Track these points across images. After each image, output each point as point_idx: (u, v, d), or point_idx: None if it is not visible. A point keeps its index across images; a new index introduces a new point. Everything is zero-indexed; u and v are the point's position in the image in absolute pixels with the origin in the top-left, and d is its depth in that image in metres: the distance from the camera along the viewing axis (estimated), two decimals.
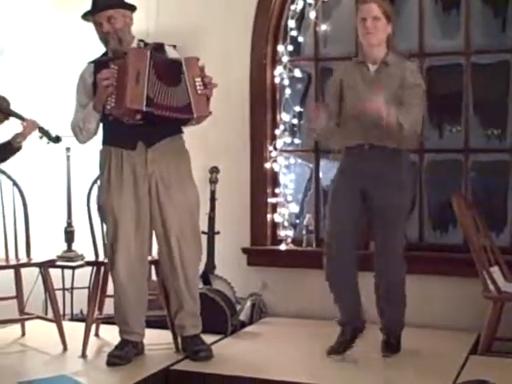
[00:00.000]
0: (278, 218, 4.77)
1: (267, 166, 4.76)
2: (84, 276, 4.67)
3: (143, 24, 4.36)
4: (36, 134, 4.12)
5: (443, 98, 4.57)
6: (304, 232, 4.71)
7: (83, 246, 4.73)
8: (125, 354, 3.74)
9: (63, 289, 4.83)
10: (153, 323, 4.01)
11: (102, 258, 4.10)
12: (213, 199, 4.61)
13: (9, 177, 4.25)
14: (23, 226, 4.23)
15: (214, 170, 4.64)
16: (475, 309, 4.12)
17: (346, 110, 3.72)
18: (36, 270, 4.43)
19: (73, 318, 4.75)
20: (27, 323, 4.34)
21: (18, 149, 3.99)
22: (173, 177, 3.74)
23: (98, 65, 3.72)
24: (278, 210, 4.77)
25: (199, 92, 3.62)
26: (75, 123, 3.75)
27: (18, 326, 4.35)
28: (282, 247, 4.72)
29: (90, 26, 3.81)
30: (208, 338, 3.94)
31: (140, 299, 3.81)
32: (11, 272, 4.19)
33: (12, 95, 4.20)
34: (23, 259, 4.21)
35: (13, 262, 4.18)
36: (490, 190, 4.60)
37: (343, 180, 3.76)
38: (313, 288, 4.55)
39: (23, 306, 4.30)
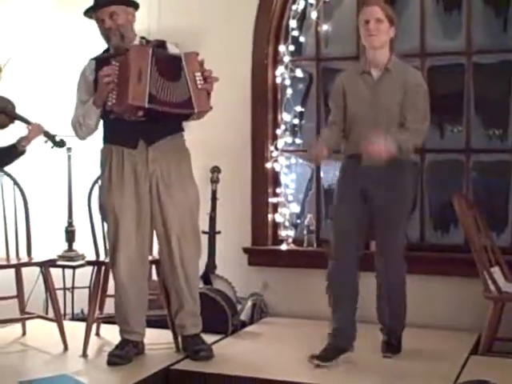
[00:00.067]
0: (278, 218, 4.76)
1: (268, 165, 4.76)
2: (85, 275, 4.68)
3: (145, 23, 4.36)
4: (40, 138, 4.13)
5: (445, 98, 4.56)
6: (305, 232, 4.71)
7: (84, 246, 4.73)
8: (125, 353, 3.74)
9: (64, 288, 4.84)
10: (153, 323, 4.01)
11: (102, 257, 4.10)
12: (214, 199, 4.61)
13: (10, 176, 4.25)
14: (24, 226, 4.24)
15: (215, 170, 4.64)
16: (476, 309, 4.11)
17: (349, 117, 3.72)
18: (37, 269, 4.44)
19: (73, 318, 4.75)
20: (28, 323, 4.34)
21: (22, 152, 3.99)
22: (173, 176, 3.74)
23: (100, 61, 3.72)
24: (279, 209, 4.77)
25: (199, 86, 3.62)
26: (75, 119, 3.74)
27: (18, 326, 4.35)
28: (283, 247, 4.72)
29: (91, 26, 3.82)
30: (209, 338, 3.94)
31: (140, 299, 3.81)
32: (12, 271, 4.19)
33: (16, 98, 4.21)
34: (24, 258, 4.21)
35: (14, 261, 4.18)
36: (491, 191, 4.60)
37: (346, 182, 3.75)
38: (314, 288, 4.53)
39: (24, 305, 4.30)
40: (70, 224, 4.92)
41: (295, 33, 4.73)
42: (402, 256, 3.74)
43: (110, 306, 4.01)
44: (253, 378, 3.54)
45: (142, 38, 3.82)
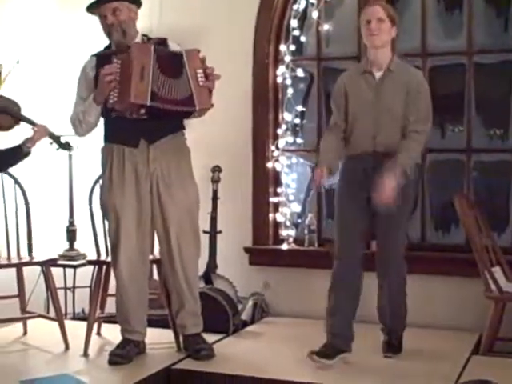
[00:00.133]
0: (279, 218, 4.76)
1: (269, 165, 4.76)
2: (86, 275, 4.68)
3: (147, 22, 4.35)
4: (46, 139, 4.14)
5: (446, 97, 4.56)
6: (306, 232, 4.71)
7: (85, 245, 4.73)
8: (126, 352, 3.75)
9: (65, 288, 4.84)
10: (154, 322, 4.02)
11: (103, 257, 4.10)
12: (215, 198, 4.61)
13: (11, 175, 4.25)
14: (25, 225, 4.24)
15: (216, 169, 4.64)
16: (477, 309, 4.11)
17: (350, 117, 3.72)
18: (38, 268, 4.44)
19: (74, 317, 4.75)
20: (29, 322, 4.34)
21: (27, 154, 3.99)
22: (173, 175, 3.74)
23: (101, 58, 3.72)
24: (280, 209, 4.77)
25: (201, 84, 3.62)
26: (75, 116, 3.74)
27: (19, 325, 4.35)
28: (284, 247, 4.72)
29: (95, 26, 3.82)
30: (210, 338, 3.94)
31: (141, 298, 3.81)
32: (13, 271, 4.20)
33: (21, 99, 4.21)
34: (25, 258, 4.21)
35: (15, 260, 4.18)
36: (492, 190, 4.60)
37: (347, 183, 3.75)
38: (315, 288, 4.54)
39: (25, 304, 4.30)
40: (71, 223, 4.92)
41: (296, 32, 4.73)
42: (402, 256, 3.74)
43: (111, 306, 4.01)
44: (254, 378, 3.54)
45: (144, 35, 3.82)
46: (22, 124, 4.09)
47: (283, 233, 4.76)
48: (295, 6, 4.71)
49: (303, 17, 4.75)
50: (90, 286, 4.55)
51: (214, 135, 4.64)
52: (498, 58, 4.48)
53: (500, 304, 3.90)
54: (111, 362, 3.71)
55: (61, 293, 4.54)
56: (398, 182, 3.52)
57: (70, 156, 4.86)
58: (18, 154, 3.96)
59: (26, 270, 4.26)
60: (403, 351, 3.82)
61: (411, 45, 4.53)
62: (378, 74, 3.69)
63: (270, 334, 4.31)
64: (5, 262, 4.15)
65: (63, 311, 4.41)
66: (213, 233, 4.59)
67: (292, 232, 4.75)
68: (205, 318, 3.88)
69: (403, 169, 3.56)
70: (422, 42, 4.56)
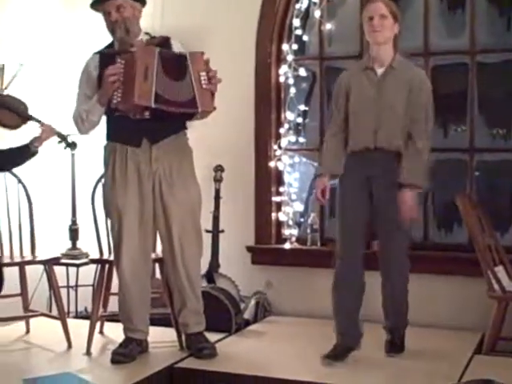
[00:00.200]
0: (282, 217, 4.76)
1: (272, 164, 4.76)
2: (88, 274, 4.68)
3: (149, 22, 4.35)
4: (53, 139, 4.14)
5: (448, 97, 4.56)
6: (308, 231, 4.71)
7: (88, 244, 4.74)
8: (129, 351, 3.75)
9: (67, 286, 4.84)
10: (157, 321, 4.02)
11: (106, 255, 4.11)
12: (217, 198, 4.61)
13: (14, 174, 4.25)
14: (28, 224, 4.24)
15: (219, 169, 4.64)
16: (480, 308, 4.11)
17: (352, 114, 3.72)
18: (40, 267, 4.45)
19: (77, 316, 4.76)
20: (32, 320, 4.35)
21: (34, 153, 4.00)
22: (175, 175, 3.74)
23: (104, 56, 3.72)
24: (283, 208, 4.77)
25: (204, 86, 3.63)
26: (77, 114, 3.74)
27: (22, 324, 4.36)
28: (287, 246, 4.72)
29: (97, 25, 3.82)
30: (212, 337, 3.94)
31: (144, 297, 3.81)
32: (16, 269, 4.20)
33: (26, 99, 4.21)
34: (28, 256, 4.22)
35: (17, 259, 4.19)
36: (494, 190, 4.60)
37: (348, 183, 3.74)
38: (317, 287, 4.55)
39: (28, 303, 4.31)
40: (74, 222, 4.92)
41: (298, 32, 4.73)
42: (405, 255, 3.74)
43: (113, 304, 4.01)
44: (256, 377, 3.54)
45: (147, 33, 3.82)
46: (29, 124, 4.09)
47: (286, 232, 4.76)
48: (297, 5, 4.71)
49: (305, 16, 4.75)
50: (93, 285, 4.55)
51: (217, 134, 4.64)
52: (501, 58, 4.48)
53: (503, 303, 3.90)
54: (114, 361, 3.71)
55: (63, 291, 4.54)
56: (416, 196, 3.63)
57: (73, 155, 4.86)
58: (25, 153, 3.97)
59: (28, 268, 4.27)
60: (406, 350, 3.82)
61: (413, 44, 4.52)
62: (379, 71, 3.69)
63: (273, 333, 4.31)
64: (8, 260, 4.15)
65: (66, 310, 4.42)
66: (215, 232, 4.60)
67: (294, 231, 4.75)
68: (207, 317, 3.88)
69: (420, 185, 3.63)
70: (424, 41, 4.55)
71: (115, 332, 4.02)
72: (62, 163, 4.93)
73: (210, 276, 4.52)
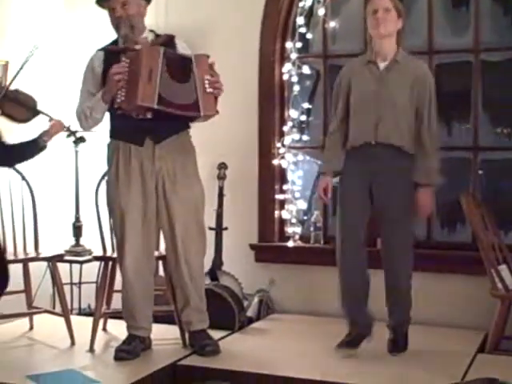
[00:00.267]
0: (285, 215, 4.76)
1: (275, 162, 4.76)
2: (92, 271, 4.69)
3: (153, 21, 4.35)
4: (62, 133, 4.14)
5: (452, 95, 4.56)
6: (312, 229, 4.71)
7: (91, 241, 4.74)
8: (132, 348, 3.75)
9: (71, 283, 4.85)
10: (160, 318, 4.03)
11: (109, 252, 4.11)
12: (221, 195, 4.61)
13: (17, 171, 4.26)
14: (32, 221, 4.25)
15: (222, 167, 4.65)
16: (483, 307, 4.11)
17: (353, 108, 3.72)
18: (44, 264, 4.46)
19: (80, 313, 4.77)
20: (35, 317, 4.35)
21: (43, 148, 4.00)
22: (179, 173, 3.74)
23: (109, 54, 3.72)
24: (286, 206, 4.77)
25: (207, 90, 3.63)
26: (81, 110, 3.74)
27: (26, 320, 4.37)
28: (290, 244, 4.72)
29: (103, 24, 3.82)
30: (215, 334, 3.95)
31: (147, 294, 3.82)
32: (20, 266, 4.21)
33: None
34: (31, 253, 4.22)
35: (21, 256, 4.19)
36: (498, 189, 4.60)
37: (350, 181, 3.75)
38: (320, 285, 4.55)
39: (31, 300, 4.31)
40: (78, 219, 4.92)
41: (302, 30, 4.72)
42: (408, 253, 3.74)
43: (117, 301, 4.02)
44: (259, 374, 3.54)
45: (151, 30, 3.82)
46: (38, 118, 4.09)
47: (289, 230, 4.76)
48: (301, 4, 4.71)
49: (309, 14, 4.75)
50: (96, 282, 4.56)
51: (220, 132, 4.64)
52: (505, 56, 4.47)
53: (506, 302, 3.89)
54: (117, 358, 3.72)
55: (67, 288, 4.54)
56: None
57: (77, 152, 4.87)
58: (33, 147, 3.97)
59: (32, 265, 4.27)
60: (409, 349, 3.82)
61: (418, 42, 4.52)
62: (382, 65, 3.69)
63: (276, 331, 4.32)
64: (11, 257, 4.14)
65: (69, 307, 4.43)
66: (218, 229, 4.60)
67: (298, 229, 4.75)
68: (210, 315, 3.88)
69: (435, 182, 3.70)
70: (428, 40, 4.55)
71: (118, 329, 4.02)
72: (66, 160, 4.94)
73: (213, 273, 4.52)
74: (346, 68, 3.87)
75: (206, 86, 3.63)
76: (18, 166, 4.24)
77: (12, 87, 3.96)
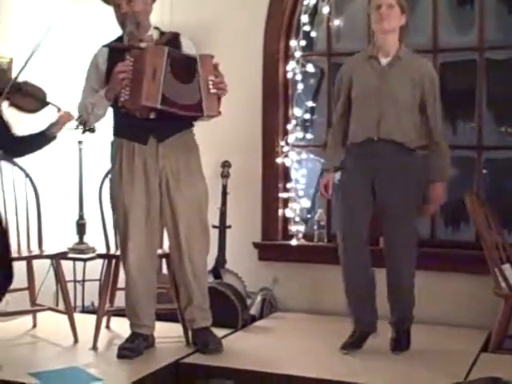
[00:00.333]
0: (289, 213, 4.76)
1: (279, 160, 4.76)
2: (95, 268, 4.69)
3: (158, 19, 4.36)
4: (71, 123, 4.14)
5: (456, 94, 4.56)
6: (315, 227, 4.71)
7: (95, 239, 4.74)
8: (135, 346, 3.76)
9: (74, 281, 4.86)
10: (163, 316, 4.03)
11: (113, 250, 4.11)
12: (224, 193, 4.61)
13: (21, 168, 4.27)
14: (35, 218, 4.25)
15: (226, 165, 4.64)
16: (486, 306, 4.10)
17: (355, 104, 3.72)
18: (48, 261, 4.46)
19: (84, 310, 4.77)
20: (39, 315, 4.36)
21: (53, 138, 4.01)
22: (182, 171, 3.74)
23: (113, 51, 3.71)
24: (290, 204, 4.77)
25: (211, 91, 3.63)
26: (83, 106, 3.74)
27: (29, 318, 4.37)
28: (293, 242, 4.71)
29: (107, 21, 3.81)
30: (218, 332, 3.95)
31: (150, 292, 3.82)
32: (23, 264, 4.21)
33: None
34: (35, 251, 4.22)
35: (25, 253, 4.19)
36: (502, 188, 4.59)
37: (351, 177, 3.75)
38: (323, 283, 4.55)
39: (35, 297, 4.32)
40: (81, 217, 4.93)
41: (307, 28, 4.72)
42: (411, 251, 3.73)
43: (120, 299, 4.02)
44: (262, 372, 3.54)
45: (156, 28, 3.81)
46: (47, 109, 4.08)
47: (292, 228, 4.76)
48: (306, 1, 4.70)
49: (314, 12, 4.74)
50: (100, 280, 4.56)
51: (224, 130, 4.64)
52: (510, 54, 4.46)
53: (510, 301, 3.88)
54: (120, 356, 3.72)
55: (70, 286, 4.55)
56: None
57: (80, 150, 4.88)
58: (42, 139, 3.97)
59: (35, 263, 4.28)
60: (412, 348, 3.81)
61: (422, 40, 4.51)
62: (384, 60, 3.69)
63: (279, 329, 4.32)
64: (15, 254, 4.14)
65: (72, 304, 4.43)
66: (222, 228, 4.60)
67: (301, 227, 4.75)
68: (214, 313, 3.89)
69: (447, 177, 3.76)
70: (433, 38, 4.54)
71: (122, 327, 4.02)
72: (70, 158, 4.94)
73: (216, 272, 4.52)
74: (347, 63, 3.88)
75: (210, 86, 3.63)
76: (22, 164, 4.26)
77: (21, 79, 3.95)
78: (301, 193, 4.77)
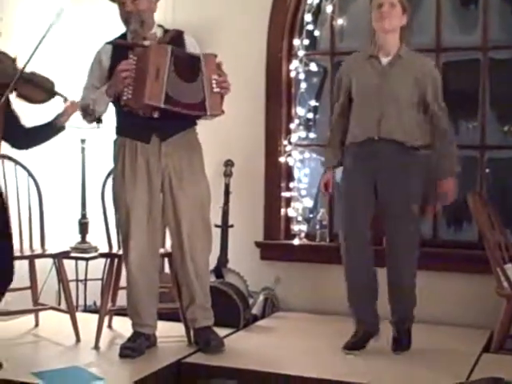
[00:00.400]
0: (291, 213, 4.76)
1: (282, 160, 4.75)
2: (98, 267, 4.69)
3: (161, 17, 4.35)
4: (78, 114, 4.13)
5: (460, 93, 4.55)
6: (318, 227, 4.71)
7: (97, 238, 4.74)
8: (137, 346, 3.75)
9: (77, 280, 4.86)
10: (165, 316, 4.02)
11: (115, 249, 4.11)
12: (227, 192, 4.61)
13: (24, 168, 4.27)
14: (38, 217, 4.25)
15: (229, 164, 4.64)
16: (488, 306, 4.10)
17: (355, 103, 3.72)
18: (50, 261, 4.46)
19: (86, 310, 4.77)
20: (41, 314, 4.36)
21: (61, 129, 3.99)
22: (185, 170, 3.74)
23: (116, 49, 3.71)
24: (292, 204, 4.76)
25: (214, 90, 3.63)
26: (85, 103, 3.73)
27: (31, 317, 4.38)
28: (296, 242, 4.71)
29: (109, 20, 3.81)
30: (220, 332, 3.94)
31: (151, 291, 3.81)
32: (25, 263, 4.21)
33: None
34: (37, 250, 4.22)
35: (27, 252, 4.19)
36: (505, 187, 4.58)
37: (353, 177, 3.75)
38: (326, 283, 4.55)
39: (37, 296, 4.32)
40: (84, 216, 4.93)
41: (310, 27, 4.71)
42: (412, 251, 3.72)
43: (122, 299, 4.02)
44: (264, 372, 3.54)
45: (160, 25, 3.81)
46: (55, 100, 4.07)
47: (295, 228, 4.75)
48: (309, 1, 4.69)
49: (317, 11, 4.74)
50: (102, 279, 4.56)
51: (227, 129, 4.63)
52: None
53: None
54: (122, 355, 3.72)
55: (72, 285, 4.55)
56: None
57: (83, 149, 4.88)
58: (49, 130, 3.94)
59: (38, 262, 4.28)
60: (414, 348, 3.81)
61: (426, 40, 4.51)
62: (385, 60, 3.69)
63: (281, 329, 4.31)
64: (17, 253, 4.14)
65: (75, 303, 4.43)
66: (224, 227, 4.60)
67: (304, 227, 4.75)
68: (215, 312, 3.88)
69: (456, 170, 3.72)
70: (436, 37, 4.53)
71: (124, 326, 4.02)
72: (73, 157, 4.94)
73: (218, 271, 4.52)
74: (346, 62, 3.88)
75: (214, 85, 3.63)
76: (25, 163, 4.26)
77: (28, 70, 3.93)
78: (303, 192, 4.77)
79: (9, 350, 3.80)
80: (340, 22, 4.71)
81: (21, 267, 4.15)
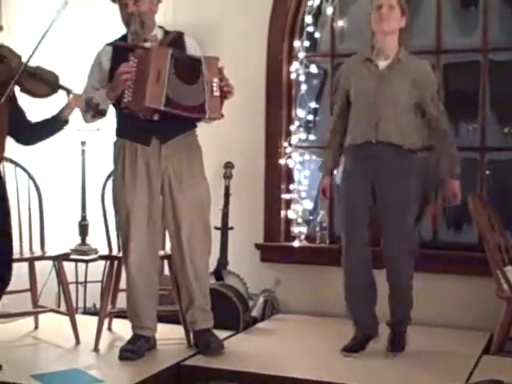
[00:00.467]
0: (291, 215, 4.75)
1: (282, 162, 4.75)
2: (97, 270, 4.69)
3: (161, 18, 4.35)
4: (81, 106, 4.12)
5: (460, 95, 4.55)
6: (318, 229, 4.70)
7: (97, 240, 4.74)
8: (137, 348, 3.75)
9: (76, 282, 4.85)
10: (165, 318, 4.02)
11: (115, 252, 4.11)
12: (227, 195, 4.61)
13: (24, 170, 4.27)
14: (38, 219, 4.25)
15: (229, 166, 4.64)
16: (488, 308, 4.09)
17: (353, 106, 3.72)
18: (50, 263, 4.46)
19: (86, 312, 4.77)
20: (40, 316, 4.36)
21: (65, 123, 3.97)
22: (185, 172, 3.74)
23: (116, 51, 3.71)
24: (292, 206, 4.76)
25: (214, 94, 3.63)
26: (87, 103, 3.73)
27: (31, 319, 4.37)
28: (296, 244, 4.71)
29: (110, 21, 3.80)
30: (220, 334, 3.94)
31: (151, 293, 3.81)
32: (25, 265, 4.21)
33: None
34: (37, 252, 4.23)
35: (27, 254, 4.19)
36: (505, 189, 4.58)
37: (351, 179, 3.75)
38: (326, 285, 4.54)
39: (37, 298, 4.32)
40: (84, 218, 4.93)
41: (310, 28, 4.71)
42: (409, 253, 3.71)
43: (122, 301, 4.02)
44: (264, 375, 3.54)
45: (160, 27, 3.81)
46: (59, 94, 4.06)
47: (295, 230, 4.75)
48: (310, 2, 4.69)
49: (318, 13, 4.73)
50: (102, 281, 4.56)
51: (227, 131, 4.63)
52: None
53: None
54: (122, 358, 3.72)
55: (72, 287, 4.54)
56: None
57: (83, 151, 4.88)
58: (53, 124, 3.91)
59: (38, 264, 4.28)
60: (413, 350, 3.80)
61: (426, 41, 4.51)
62: (382, 63, 3.69)
63: (281, 331, 4.31)
64: (17, 256, 4.14)
65: (74, 306, 4.42)
66: (224, 229, 4.60)
67: (304, 229, 4.74)
68: (215, 315, 3.88)
69: (457, 171, 3.71)
70: (436, 39, 4.53)
71: (123, 328, 4.02)
72: (73, 159, 4.94)
73: (218, 273, 4.52)
74: (344, 65, 3.89)
75: (214, 88, 3.63)
76: (25, 165, 4.26)
77: (33, 64, 3.92)
78: (303, 194, 4.76)
79: (8, 353, 3.80)
80: (340, 23, 4.70)
81: (20, 269, 4.16)
